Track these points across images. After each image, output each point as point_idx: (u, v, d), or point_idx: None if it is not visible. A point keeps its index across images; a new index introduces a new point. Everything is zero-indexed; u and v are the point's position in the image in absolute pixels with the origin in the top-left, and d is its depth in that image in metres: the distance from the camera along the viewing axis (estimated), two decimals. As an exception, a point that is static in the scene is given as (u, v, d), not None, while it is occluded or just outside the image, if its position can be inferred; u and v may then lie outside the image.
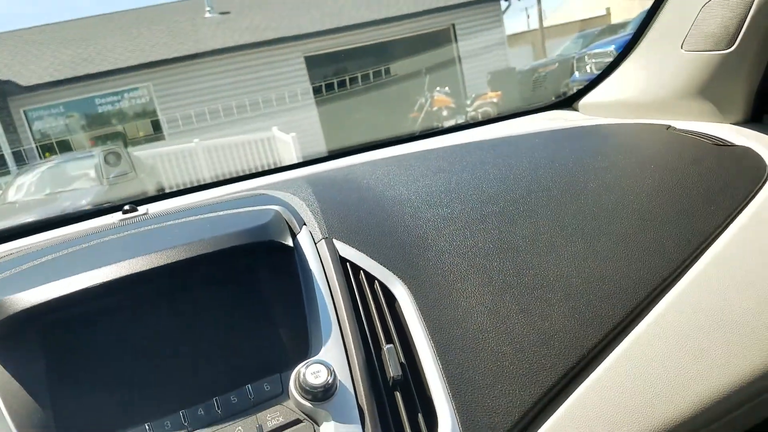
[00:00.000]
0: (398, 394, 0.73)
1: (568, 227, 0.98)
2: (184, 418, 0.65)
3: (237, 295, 0.76)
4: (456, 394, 0.75)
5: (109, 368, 0.69)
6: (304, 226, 0.87)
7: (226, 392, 0.68)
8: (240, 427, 0.65)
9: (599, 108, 1.65)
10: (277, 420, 0.66)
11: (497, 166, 1.13)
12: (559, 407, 0.80)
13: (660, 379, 0.84)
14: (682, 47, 1.34)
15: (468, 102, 12.35)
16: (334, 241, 0.86)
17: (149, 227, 0.88)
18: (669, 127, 1.34)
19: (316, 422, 0.67)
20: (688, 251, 0.95)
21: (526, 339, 0.83)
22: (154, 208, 1.27)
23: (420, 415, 0.72)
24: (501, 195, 1.01)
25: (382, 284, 0.83)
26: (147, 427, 0.64)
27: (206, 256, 0.72)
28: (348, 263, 0.84)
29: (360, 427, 0.67)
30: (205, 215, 0.92)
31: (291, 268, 0.80)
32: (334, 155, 1.58)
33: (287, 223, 0.87)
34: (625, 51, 1.55)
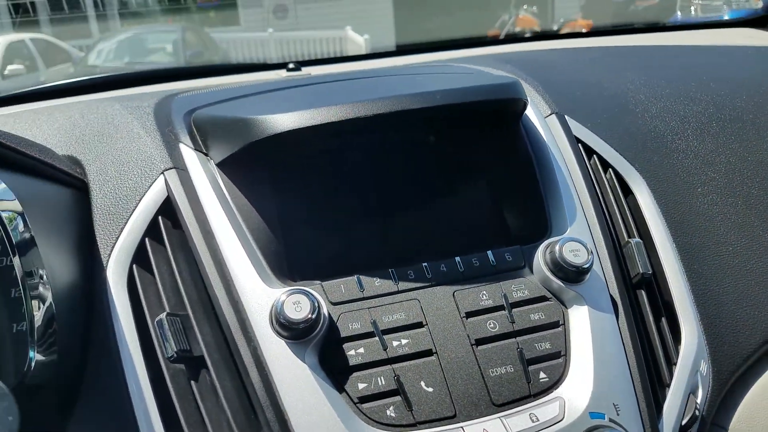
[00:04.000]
0: (643, 294, 0.66)
1: (818, 145, 0.85)
2: (427, 270, 0.60)
3: (471, 158, 0.69)
4: (700, 304, 0.68)
5: (347, 210, 0.64)
6: (529, 99, 0.78)
7: (467, 254, 0.62)
8: (485, 292, 0.60)
9: (802, 31, 1.43)
10: (523, 293, 0.60)
11: (717, 70, 0.99)
12: (801, 337, 0.72)
13: None
14: None
15: (555, 27, 11.49)
16: (566, 117, 0.76)
17: (366, 78, 0.80)
18: None
19: (564, 303, 0.61)
20: None
21: (774, 260, 0.74)
22: (314, 71, 1.20)
23: (664, 319, 0.66)
24: (737, 101, 0.88)
25: (616, 173, 0.74)
26: (391, 272, 0.60)
27: (455, 106, 0.64)
28: (581, 144, 0.75)
29: (614, 317, 0.60)
30: (423, 73, 0.83)
31: (521, 141, 0.71)
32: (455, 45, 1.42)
33: None
34: None
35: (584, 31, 1.95)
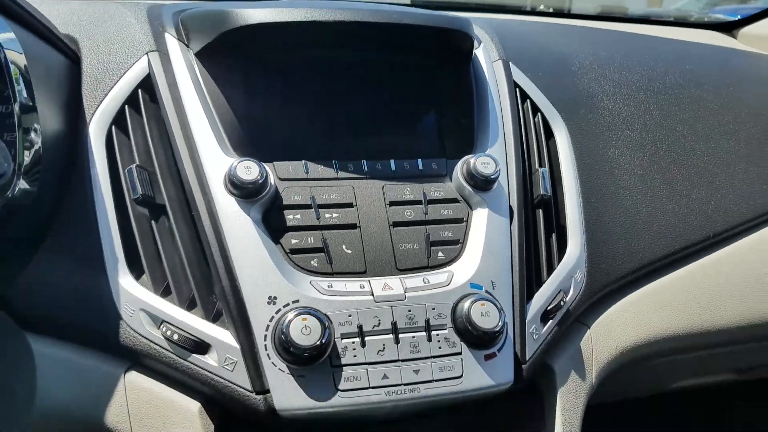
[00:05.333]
0: (540, 212, 0.78)
1: (726, 125, 0.97)
2: (364, 165, 0.72)
3: (423, 85, 0.80)
4: (589, 230, 0.80)
5: (306, 108, 0.75)
6: (481, 44, 0.89)
7: (400, 159, 0.74)
8: (408, 189, 0.72)
9: (765, 41, 1.54)
10: (439, 193, 0.73)
11: (662, 55, 1.10)
12: (672, 272, 0.85)
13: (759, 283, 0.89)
14: None
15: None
16: (511, 64, 0.88)
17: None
18: None
19: (470, 206, 0.73)
20: None
21: (664, 207, 0.86)
22: None
23: (554, 236, 0.78)
24: (668, 78, 1.00)
25: (543, 117, 0.86)
26: (334, 163, 0.72)
27: (417, 27, 0.75)
28: (519, 89, 0.86)
29: (508, 222, 0.73)
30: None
31: (467, 77, 0.83)
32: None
33: None
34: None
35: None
